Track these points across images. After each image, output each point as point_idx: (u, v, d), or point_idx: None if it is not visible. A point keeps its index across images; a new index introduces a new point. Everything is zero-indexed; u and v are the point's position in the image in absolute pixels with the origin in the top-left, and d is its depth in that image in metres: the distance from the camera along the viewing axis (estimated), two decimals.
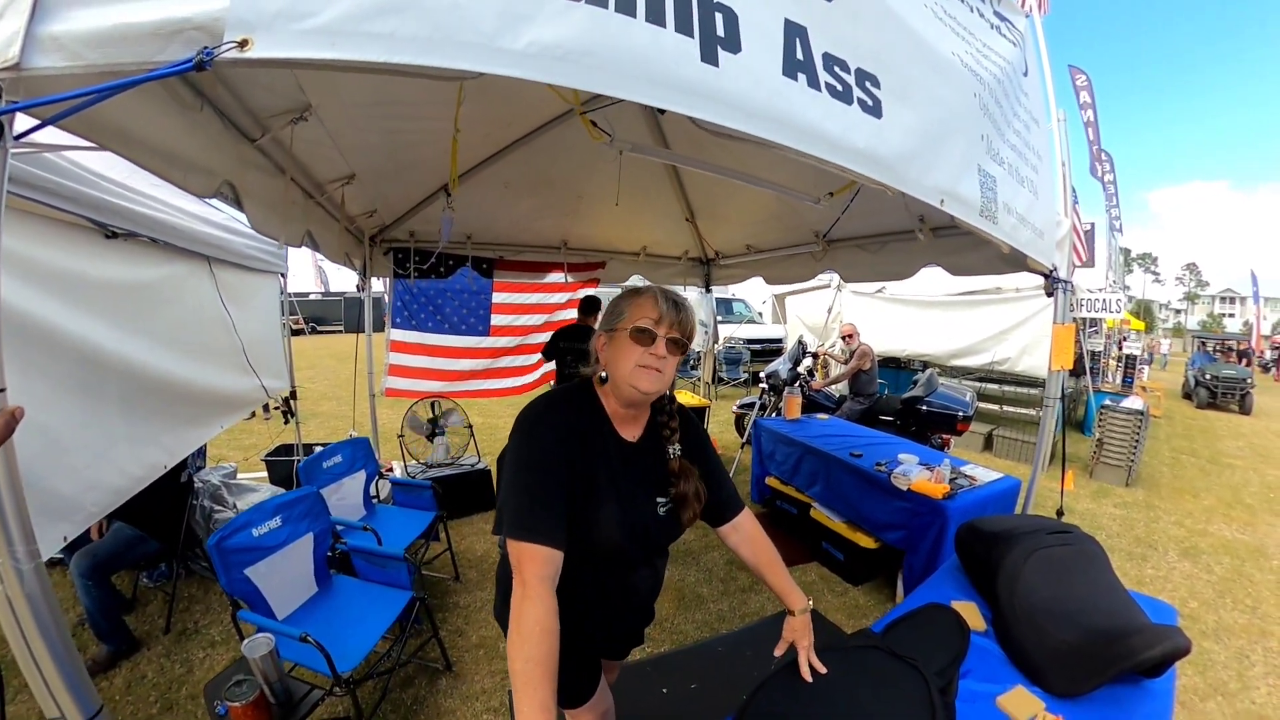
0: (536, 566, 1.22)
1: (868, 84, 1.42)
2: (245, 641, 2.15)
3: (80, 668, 0.99)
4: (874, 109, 1.42)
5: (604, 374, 1.47)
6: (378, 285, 4.75)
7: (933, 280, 7.95)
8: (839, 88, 1.35)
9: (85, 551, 3.03)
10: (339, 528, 3.15)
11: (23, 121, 0.92)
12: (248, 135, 2.12)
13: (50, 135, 1.34)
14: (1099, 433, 6.90)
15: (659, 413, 1.59)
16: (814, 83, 1.30)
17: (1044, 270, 2.78)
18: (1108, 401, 7.24)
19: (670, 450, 1.55)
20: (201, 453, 4.80)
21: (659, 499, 1.53)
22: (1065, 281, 2.94)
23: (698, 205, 4.82)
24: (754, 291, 15.41)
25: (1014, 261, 2.97)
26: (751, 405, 6.80)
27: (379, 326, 4.99)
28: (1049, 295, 2.97)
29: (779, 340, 13.17)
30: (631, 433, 1.53)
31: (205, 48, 0.87)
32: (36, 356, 2.07)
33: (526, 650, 1.13)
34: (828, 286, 10.31)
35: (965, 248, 3.32)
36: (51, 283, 2.17)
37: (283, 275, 4.67)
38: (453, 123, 2.24)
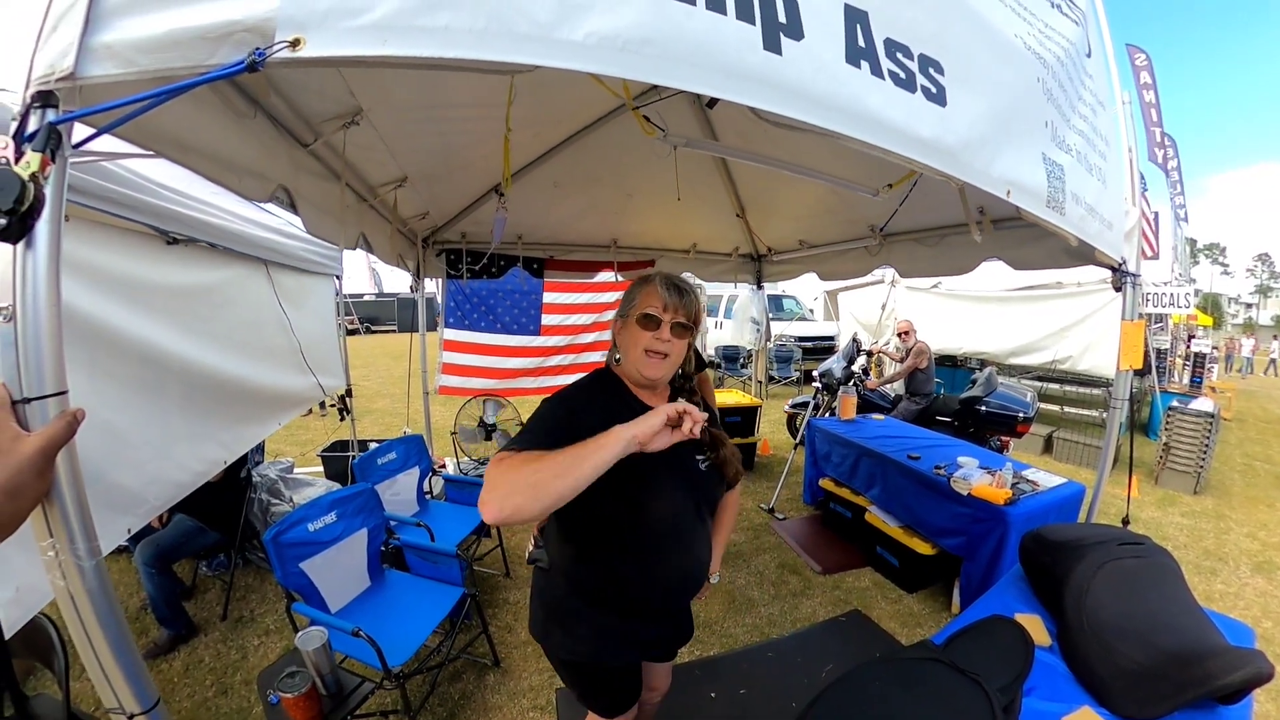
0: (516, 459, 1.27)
1: (931, 70, 1.35)
2: (299, 634, 2.20)
3: (139, 661, 1.00)
4: (938, 96, 1.36)
5: (618, 356, 1.62)
6: (430, 286, 4.83)
7: (991, 275, 7.71)
8: (902, 75, 1.29)
9: (149, 541, 3.17)
10: (392, 523, 3.20)
11: (81, 131, 0.94)
12: (300, 140, 2.15)
13: (109, 144, 1.37)
14: (1165, 436, 6.53)
15: (679, 391, 1.72)
16: (877, 70, 1.25)
17: (1113, 264, 2.64)
18: (1175, 403, 6.86)
19: None
20: (260, 448, 4.96)
21: (697, 456, 1.64)
22: (1134, 275, 2.78)
23: (748, 200, 4.72)
24: (805, 288, 15.23)
25: (1080, 255, 2.83)
26: (804, 404, 6.69)
27: (432, 326, 5.07)
28: (1117, 290, 2.81)
29: (831, 338, 12.96)
30: (656, 400, 1.63)
31: (257, 49, 0.87)
32: (102, 358, 2.15)
33: (542, 463, 1.20)
34: (881, 282, 10.07)
35: (1027, 241, 3.18)
36: (116, 288, 2.26)
37: (338, 277, 4.79)
38: (502, 122, 2.24)
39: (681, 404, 1.22)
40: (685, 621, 1.90)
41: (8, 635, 1.65)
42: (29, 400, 0.84)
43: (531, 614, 1.81)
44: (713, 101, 2.88)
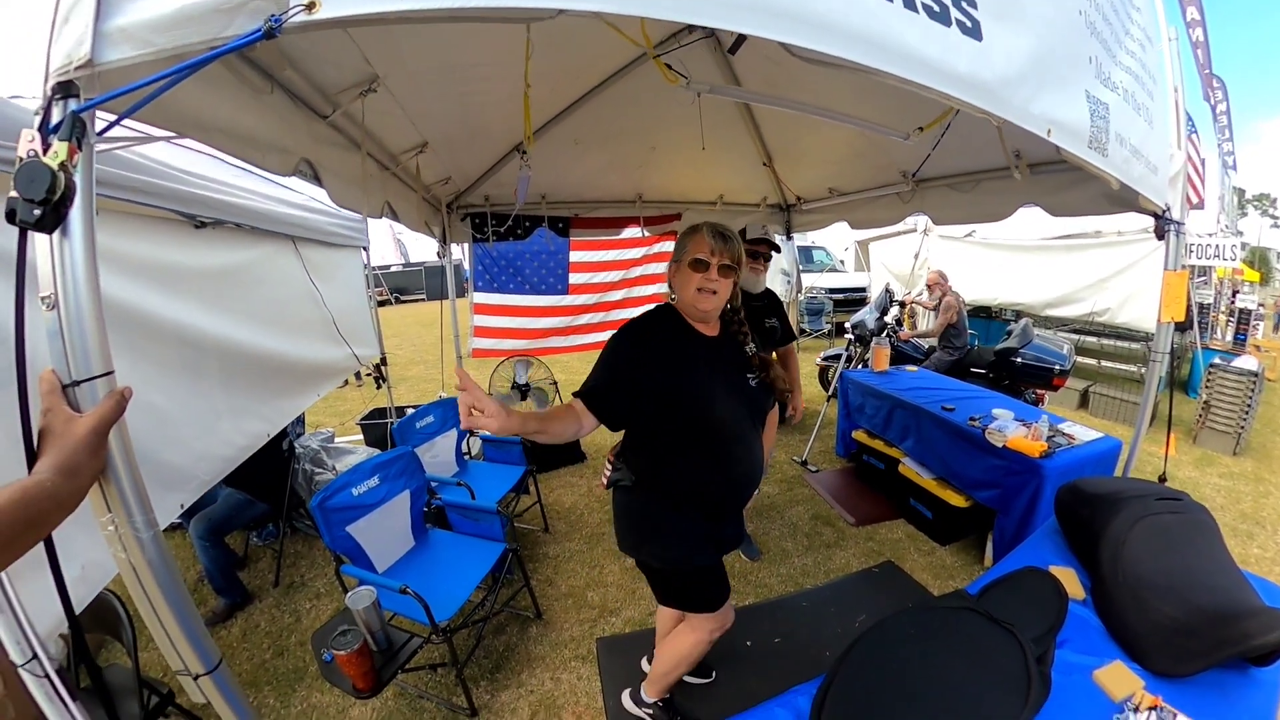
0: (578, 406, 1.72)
1: (964, 4, 1.27)
2: (349, 594, 2.29)
3: (200, 624, 1.06)
4: (973, 30, 1.29)
5: (674, 296, 1.90)
6: (456, 252, 4.82)
7: (1027, 223, 7.47)
8: (936, 8, 1.22)
9: (201, 516, 3.29)
10: (433, 484, 3.27)
11: (105, 118, 0.94)
12: (319, 112, 2.14)
13: (134, 129, 1.39)
14: (1206, 394, 6.20)
15: (729, 324, 1.99)
16: (910, 3, 1.18)
17: (1156, 210, 2.53)
18: (1217, 360, 6.53)
19: (747, 348, 1.97)
20: (300, 420, 5.08)
21: (748, 374, 1.93)
22: (1178, 223, 2.67)
23: (775, 148, 4.57)
24: (836, 238, 14.81)
25: (1121, 201, 2.71)
26: (836, 357, 6.60)
27: (460, 293, 5.09)
28: (1159, 238, 2.70)
29: (863, 289, 12.61)
30: (710, 331, 1.93)
31: (272, 15, 0.85)
32: (141, 342, 2.21)
33: (549, 429, 1.64)
34: (914, 231, 9.79)
35: (1065, 186, 3.04)
36: (150, 274, 2.31)
37: (364, 248, 4.82)
38: (519, 81, 2.20)
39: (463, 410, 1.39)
40: (741, 523, 2.15)
41: (77, 611, 1.76)
42: (78, 383, 0.87)
43: (619, 533, 2.04)
44: (734, 47, 2.80)
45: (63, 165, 0.81)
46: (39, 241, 0.84)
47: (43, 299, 0.85)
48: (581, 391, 1.74)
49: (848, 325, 6.74)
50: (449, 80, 2.56)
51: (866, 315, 6.48)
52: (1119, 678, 1.54)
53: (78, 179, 0.84)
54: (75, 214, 0.85)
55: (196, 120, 1.45)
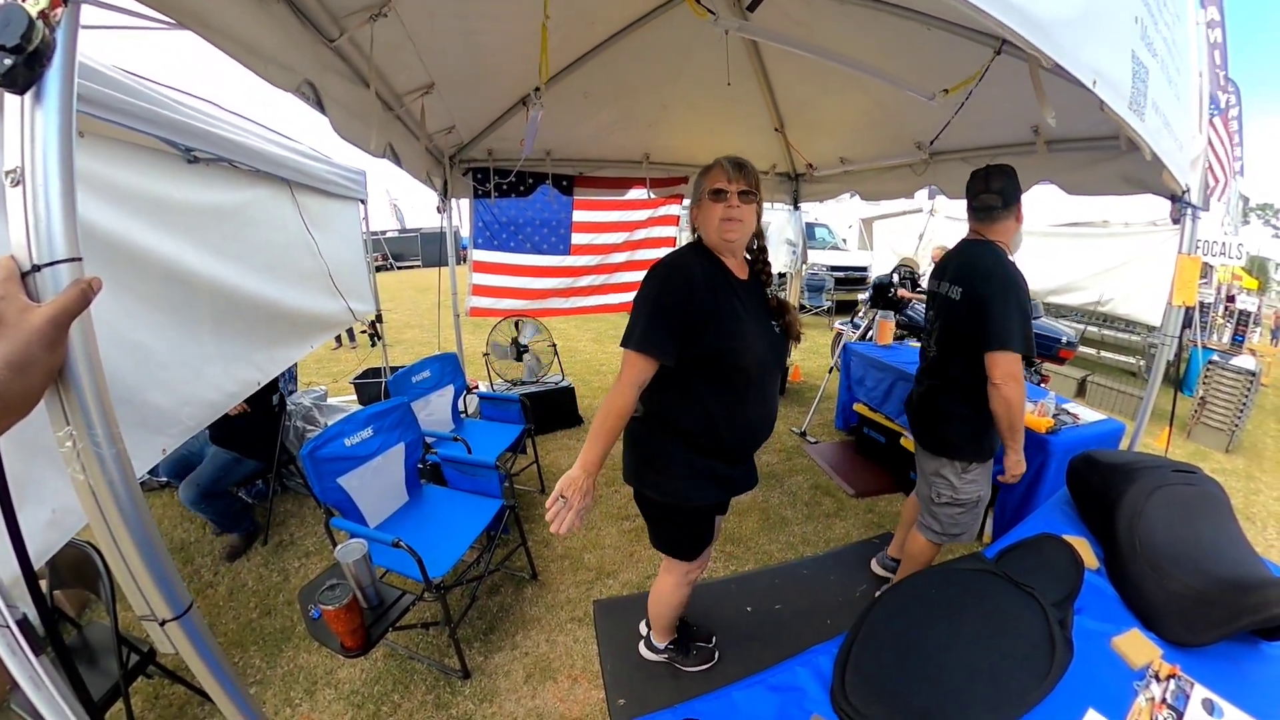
0: (635, 373, 1.71)
1: None
2: (338, 547, 2.21)
3: (169, 563, 0.93)
4: None
5: (699, 236, 1.88)
6: (455, 215, 4.70)
7: (1033, 209, 7.37)
8: None
9: (189, 482, 3.23)
10: (429, 439, 3.21)
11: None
12: (325, 35, 2.03)
13: (131, 12, 1.29)
14: (1202, 391, 6.28)
15: (755, 264, 1.98)
16: None
17: (1177, 190, 2.48)
18: (1215, 357, 6.58)
19: (769, 291, 1.98)
20: (293, 377, 5.00)
21: (772, 321, 1.93)
22: (1195, 206, 2.62)
23: (788, 114, 4.47)
24: (839, 217, 14.85)
25: (1138, 182, 2.69)
26: (855, 325, 6.54)
27: (460, 260, 4.99)
28: (1175, 221, 2.65)
29: (864, 269, 12.50)
30: (742, 273, 1.91)
31: None
32: (125, 277, 2.12)
33: (606, 423, 1.71)
34: (919, 211, 9.72)
35: (1082, 164, 3.02)
36: (136, 205, 2.21)
37: (362, 202, 4.69)
38: (531, 20, 2.11)
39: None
40: (753, 467, 2.10)
41: (47, 559, 1.70)
42: (39, 268, 0.77)
43: (625, 462, 2.05)
44: (754, 4, 2.72)
45: (43, 14, 0.72)
46: (8, 106, 0.74)
47: (7, 174, 0.75)
48: (641, 346, 1.70)
49: (869, 284, 6.83)
50: (462, 12, 2.46)
51: (886, 279, 6.52)
52: (1137, 645, 1.53)
53: (59, 38, 0.75)
54: (53, 78, 0.75)
55: (198, 15, 1.35)
